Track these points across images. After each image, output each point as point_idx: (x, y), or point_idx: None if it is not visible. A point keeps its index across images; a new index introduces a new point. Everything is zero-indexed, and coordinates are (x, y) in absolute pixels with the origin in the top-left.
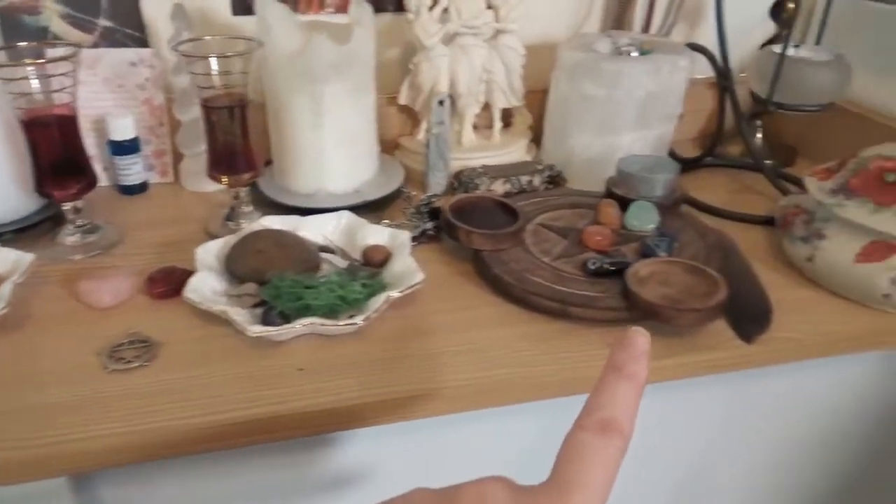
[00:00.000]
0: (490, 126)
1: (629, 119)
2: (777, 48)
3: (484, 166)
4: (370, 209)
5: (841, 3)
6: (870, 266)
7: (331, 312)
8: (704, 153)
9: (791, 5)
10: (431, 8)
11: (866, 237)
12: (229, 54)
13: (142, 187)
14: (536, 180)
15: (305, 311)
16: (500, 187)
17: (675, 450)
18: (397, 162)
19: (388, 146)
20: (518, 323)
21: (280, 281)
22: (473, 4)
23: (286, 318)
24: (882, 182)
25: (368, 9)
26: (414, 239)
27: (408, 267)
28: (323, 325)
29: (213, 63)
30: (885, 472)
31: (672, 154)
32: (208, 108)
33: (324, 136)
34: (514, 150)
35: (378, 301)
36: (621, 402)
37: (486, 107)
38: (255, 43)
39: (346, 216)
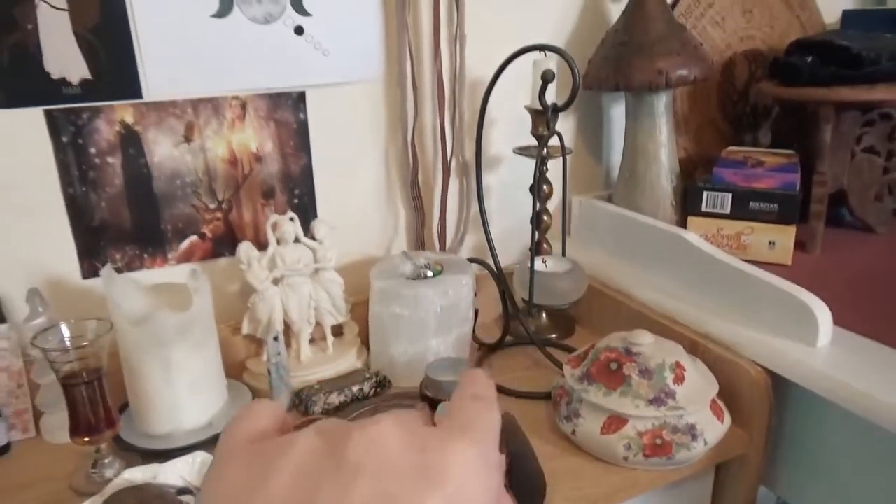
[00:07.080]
0: (325, 338)
1: (431, 329)
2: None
3: (319, 382)
4: None
5: (584, 207)
6: (610, 436)
7: None
8: (500, 339)
9: (546, 218)
10: (260, 258)
11: (604, 414)
12: (84, 344)
13: (4, 449)
14: (366, 387)
15: None
16: (335, 399)
17: None
18: (244, 387)
19: (236, 369)
20: None
21: None
22: (295, 252)
23: None
24: (609, 370)
25: (204, 279)
26: None
27: None
28: None
29: (69, 344)
30: None
31: (477, 340)
32: (66, 385)
33: (176, 390)
34: (348, 358)
35: None
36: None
37: (319, 325)
38: (107, 323)
39: (200, 456)
